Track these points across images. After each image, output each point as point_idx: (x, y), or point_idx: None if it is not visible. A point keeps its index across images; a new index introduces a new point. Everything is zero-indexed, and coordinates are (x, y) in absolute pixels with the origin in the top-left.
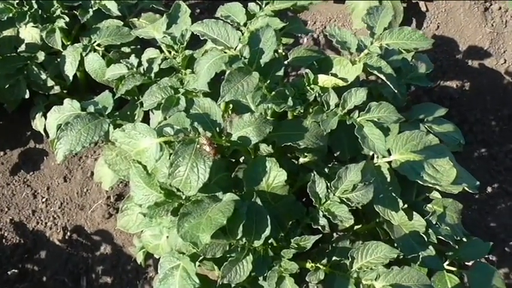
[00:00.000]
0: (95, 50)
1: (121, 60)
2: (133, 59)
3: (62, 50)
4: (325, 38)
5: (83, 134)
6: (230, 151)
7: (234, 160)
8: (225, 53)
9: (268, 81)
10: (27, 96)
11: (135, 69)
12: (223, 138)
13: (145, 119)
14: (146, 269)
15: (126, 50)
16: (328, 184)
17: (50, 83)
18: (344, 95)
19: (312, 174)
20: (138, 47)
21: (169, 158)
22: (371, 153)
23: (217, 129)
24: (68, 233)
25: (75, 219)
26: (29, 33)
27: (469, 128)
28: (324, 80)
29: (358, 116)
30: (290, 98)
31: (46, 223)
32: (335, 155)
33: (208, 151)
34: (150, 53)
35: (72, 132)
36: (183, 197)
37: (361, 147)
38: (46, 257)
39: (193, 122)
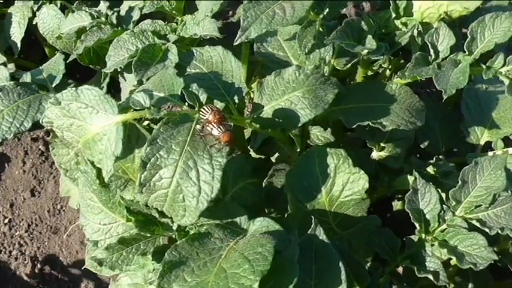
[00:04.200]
0: (52, 2)
1: (83, 7)
2: (102, 5)
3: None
4: None
5: (6, 118)
6: (259, 141)
7: (263, 157)
8: None
9: (327, 11)
10: None
11: (103, 19)
12: (247, 115)
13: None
14: None
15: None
16: (442, 195)
17: (1, 59)
18: (472, 28)
19: (413, 178)
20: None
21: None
22: (482, 141)
23: (236, 97)
24: (39, 265)
25: (47, 246)
26: None
27: None
28: (424, 8)
29: (505, 64)
30: (370, 36)
31: (10, 252)
32: (421, 146)
33: (218, 136)
34: (131, 1)
35: None
36: (174, 227)
37: (466, 132)
38: None
39: (189, 86)
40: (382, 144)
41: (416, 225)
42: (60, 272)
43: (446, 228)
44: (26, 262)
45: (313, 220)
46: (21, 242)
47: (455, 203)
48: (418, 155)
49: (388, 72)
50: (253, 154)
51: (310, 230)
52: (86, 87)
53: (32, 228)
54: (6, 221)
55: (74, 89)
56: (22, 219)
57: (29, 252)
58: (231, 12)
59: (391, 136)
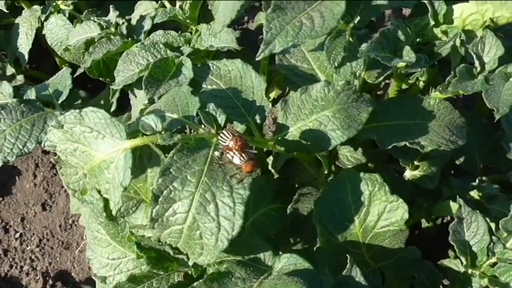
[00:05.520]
0: (60, 11)
1: (91, 17)
2: (111, 15)
3: (5, 10)
4: None
5: (8, 138)
6: (282, 161)
7: (283, 177)
8: None
9: (358, 19)
10: None
11: (112, 29)
12: (270, 137)
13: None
14: None
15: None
16: (491, 225)
17: (10, 70)
18: None
19: (456, 205)
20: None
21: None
22: None
23: (257, 117)
24: (50, 281)
25: (58, 261)
26: None
27: None
28: (467, 14)
29: None
30: (408, 48)
31: (22, 267)
32: (456, 162)
33: (240, 165)
34: (142, 8)
35: None
36: (190, 263)
37: (507, 147)
38: None
39: (206, 105)
40: (416, 163)
41: (462, 259)
42: None
43: (496, 263)
44: (37, 278)
45: (348, 259)
46: (33, 257)
47: (506, 234)
48: (452, 172)
49: (421, 84)
50: (273, 172)
51: (345, 271)
52: (91, 109)
53: (44, 243)
54: (17, 235)
55: (77, 111)
56: (33, 234)
57: (41, 267)
58: (246, 18)
59: (426, 153)
